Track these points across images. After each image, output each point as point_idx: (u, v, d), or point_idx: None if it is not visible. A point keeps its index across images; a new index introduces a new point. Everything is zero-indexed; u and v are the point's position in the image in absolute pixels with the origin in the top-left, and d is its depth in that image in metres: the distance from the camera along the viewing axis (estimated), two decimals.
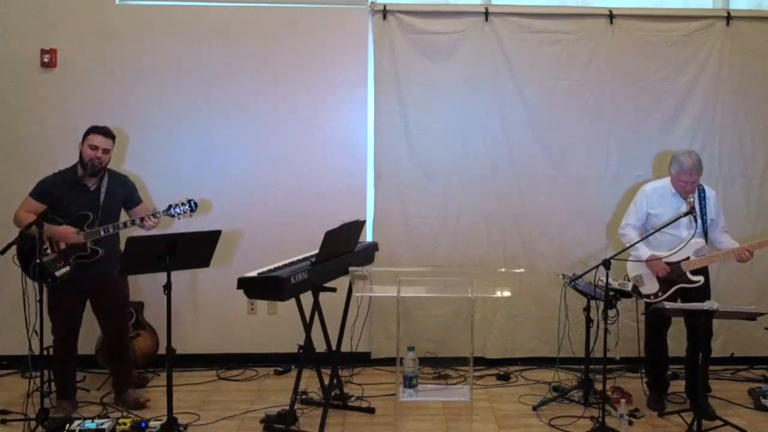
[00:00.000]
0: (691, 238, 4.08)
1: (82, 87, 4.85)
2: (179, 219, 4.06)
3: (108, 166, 4.10)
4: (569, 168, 5.01)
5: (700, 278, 4.10)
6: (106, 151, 4.00)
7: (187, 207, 4.04)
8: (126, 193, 4.16)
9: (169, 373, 3.51)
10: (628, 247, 4.09)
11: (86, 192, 4.01)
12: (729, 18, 4.94)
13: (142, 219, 3.99)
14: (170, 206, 4.03)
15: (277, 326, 4.98)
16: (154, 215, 4.01)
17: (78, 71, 4.85)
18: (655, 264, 4.11)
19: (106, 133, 4.02)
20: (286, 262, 3.87)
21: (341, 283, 3.93)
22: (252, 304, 5.01)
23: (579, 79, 4.96)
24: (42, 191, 3.98)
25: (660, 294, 4.14)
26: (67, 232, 3.89)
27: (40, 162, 4.64)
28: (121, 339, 4.28)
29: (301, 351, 3.83)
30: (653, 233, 4.09)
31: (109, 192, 4.06)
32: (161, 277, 3.52)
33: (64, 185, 3.95)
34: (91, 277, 3.98)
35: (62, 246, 3.93)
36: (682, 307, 3.91)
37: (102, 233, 3.93)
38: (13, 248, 3.77)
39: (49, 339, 3.85)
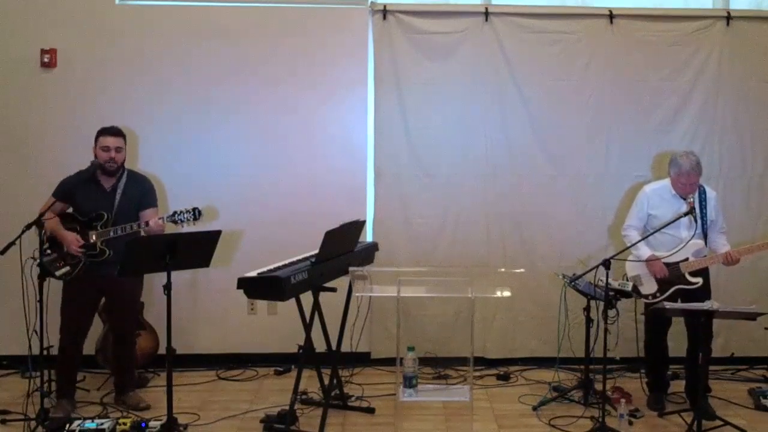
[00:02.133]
0: (691, 239, 4.08)
1: (82, 87, 4.85)
2: (183, 227, 4.08)
3: (127, 167, 4.17)
4: (569, 168, 5.01)
5: (699, 280, 4.09)
6: (118, 149, 4.04)
7: (191, 215, 4.04)
8: (140, 194, 4.16)
9: (169, 373, 3.51)
10: (628, 248, 4.09)
11: (102, 192, 4.06)
12: (729, 18, 4.94)
13: (147, 223, 4.00)
14: (175, 213, 4.04)
15: (277, 326, 4.98)
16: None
17: (78, 71, 4.85)
18: (654, 265, 4.11)
19: (115, 132, 4.07)
20: (286, 262, 3.87)
21: (341, 283, 3.93)
22: (252, 304, 5.01)
23: (579, 79, 4.96)
24: (61, 190, 4.05)
25: (659, 294, 4.14)
26: (71, 241, 3.93)
27: (40, 162, 4.66)
28: (127, 340, 4.29)
29: (301, 351, 3.83)
30: (653, 233, 4.09)
31: (126, 192, 4.09)
32: (161, 277, 3.52)
33: (81, 185, 4.01)
34: (104, 277, 4.00)
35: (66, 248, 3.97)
36: (682, 307, 3.91)
37: (111, 234, 3.96)
38: (14, 249, 3.76)
39: (49, 339, 3.83)
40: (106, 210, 4.01)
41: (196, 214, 4.05)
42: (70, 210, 4.10)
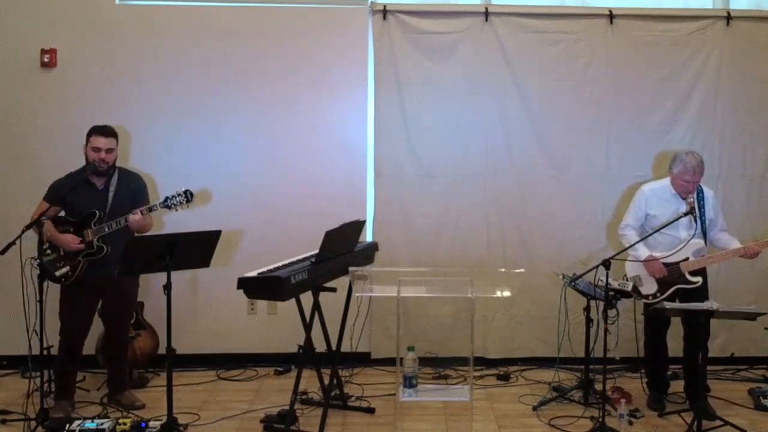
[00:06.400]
0: (691, 239, 4.08)
1: (82, 87, 4.85)
2: (176, 210, 4.04)
3: (120, 165, 4.16)
4: (569, 168, 5.01)
5: (699, 279, 4.10)
6: (109, 151, 4.02)
7: (183, 198, 4.00)
8: (133, 192, 4.15)
9: (169, 373, 3.51)
10: (628, 248, 4.09)
11: (95, 191, 4.05)
12: (729, 18, 4.94)
13: (141, 212, 3.95)
14: (167, 198, 4.01)
15: (277, 326, 4.98)
16: (150, 209, 3.99)
17: (78, 71, 4.85)
18: (652, 265, 4.11)
19: (107, 133, 4.03)
20: (286, 262, 3.87)
21: (341, 283, 3.93)
22: (252, 304, 5.01)
23: (579, 79, 4.96)
24: (52, 194, 4.04)
25: (659, 294, 4.14)
26: (69, 241, 3.93)
27: (40, 162, 4.66)
28: (120, 341, 4.30)
29: (301, 351, 3.83)
30: (652, 234, 4.08)
31: (118, 191, 4.08)
32: (161, 277, 3.52)
33: (73, 186, 4.00)
34: (103, 278, 3.99)
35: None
36: (682, 307, 3.91)
37: (107, 230, 3.95)
38: (14, 249, 3.77)
39: (49, 339, 3.83)
40: (100, 208, 3.99)
41: (188, 196, 4.00)
42: (62, 213, 4.06)
